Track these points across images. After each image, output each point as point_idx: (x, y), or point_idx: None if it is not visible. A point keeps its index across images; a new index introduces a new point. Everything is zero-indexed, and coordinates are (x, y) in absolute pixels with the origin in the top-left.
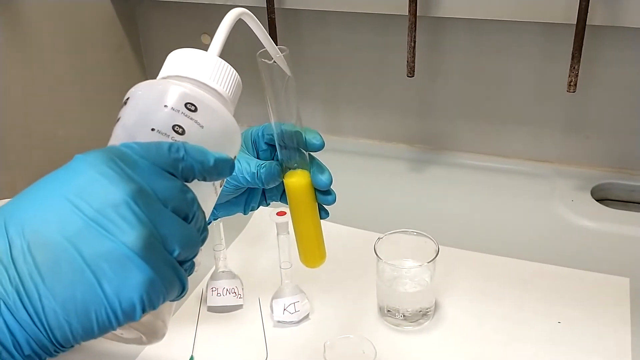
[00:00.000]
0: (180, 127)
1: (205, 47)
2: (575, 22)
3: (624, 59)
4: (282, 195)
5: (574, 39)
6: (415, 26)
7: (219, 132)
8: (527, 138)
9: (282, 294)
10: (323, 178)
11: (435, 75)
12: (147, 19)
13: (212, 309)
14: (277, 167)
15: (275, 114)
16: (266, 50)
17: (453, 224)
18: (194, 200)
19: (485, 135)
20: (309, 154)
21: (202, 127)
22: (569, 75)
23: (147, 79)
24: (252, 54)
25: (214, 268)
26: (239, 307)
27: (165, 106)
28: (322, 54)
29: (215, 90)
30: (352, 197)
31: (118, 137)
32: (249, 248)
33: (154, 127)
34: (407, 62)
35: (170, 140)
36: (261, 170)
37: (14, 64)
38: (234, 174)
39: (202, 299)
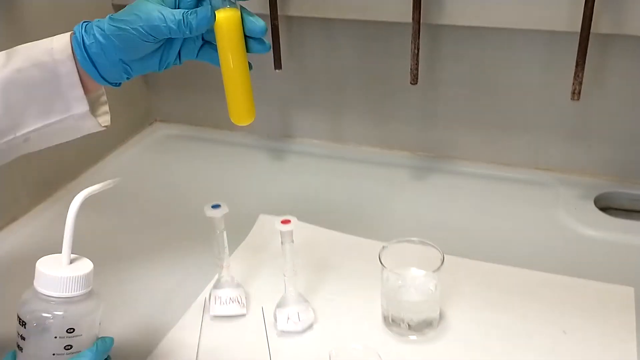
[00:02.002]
0: (69, 346)
1: None
2: (580, 30)
3: (629, 68)
4: (199, 50)
5: (578, 47)
6: (418, 34)
7: (92, 326)
8: (530, 146)
9: (285, 302)
10: (257, 22)
11: (438, 83)
12: None
13: (215, 318)
14: (212, 10)
15: None
16: None
17: (455, 232)
18: None
19: (489, 143)
20: (241, 7)
21: (81, 335)
22: (573, 84)
23: (148, 85)
24: None
25: (217, 276)
26: (242, 316)
27: (55, 337)
28: (325, 61)
29: (78, 296)
30: (355, 203)
31: None
32: (251, 256)
33: (54, 352)
34: (411, 69)
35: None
36: (190, 17)
37: None
38: (155, 24)
39: (205, 308)
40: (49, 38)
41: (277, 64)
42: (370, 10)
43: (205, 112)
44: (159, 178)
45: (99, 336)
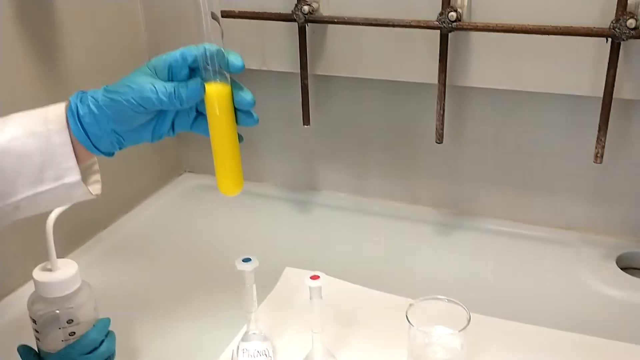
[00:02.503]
0: (73, 332)
1: None
2: (602, 95)
3: None
4: (193, 121)
5: (601, 112)
6: (444, 95)
7: (88, 312)
8: (552, 205)
9: (312, 357)
10: (246, 96)
11: (463, 142)
12: None
13: None
14: (202, 83)
15: (205, 36)
16: None
17: (479, 289)
18: None
19: (512, 202)
20: (231, 79)
21: (80, 323)
22: (596, 147)
23: (178, 136)
24: None
25: (244, 329)
26: None
27: (59, 328)
28: (351, 117)
29: (70, 293)
30: (380, 257)
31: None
32: (278, 309)
33: (62, 339)
34: (436, 128)
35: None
36: (181, 89)
37: None
38: (146, 96)
39: None
40: (44, 107)
41: (306, 120)
42: (397, 71)
43: None
44: (187, 228)
45: (98, 318)
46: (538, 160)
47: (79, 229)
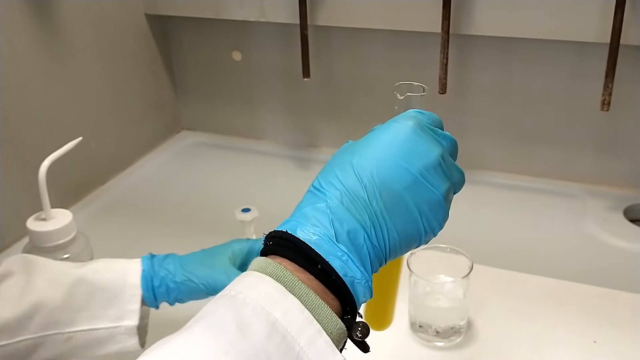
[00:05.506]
0: None
1: (235, 63)
2: (609, 42)
3: None
4: None
5: (608, 58)
6: (447, 43)
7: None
8: (558, 157)
9: None
10: None
11: (466, 93)
12: (179, 35)
13: None
14: None
15: None
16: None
17: (483, 242)
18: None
19: (516, 154)
20: None
21: None
22: (603, 94)
23: (176, 94)
24: None
25: None
26: None
27: None
28: (352, 70)
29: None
30: None
31: None
32: None
33: None
34: (439, 78)
35: None
36: None
37: (53, 75)
38: (219, 285)
39: None
40: (126, 262)
41: (306, 73)
42: (400, 20)
43: (232, 121)
44: (185, 185)
45: None
46: (543, 110)
47: (77, 185)
